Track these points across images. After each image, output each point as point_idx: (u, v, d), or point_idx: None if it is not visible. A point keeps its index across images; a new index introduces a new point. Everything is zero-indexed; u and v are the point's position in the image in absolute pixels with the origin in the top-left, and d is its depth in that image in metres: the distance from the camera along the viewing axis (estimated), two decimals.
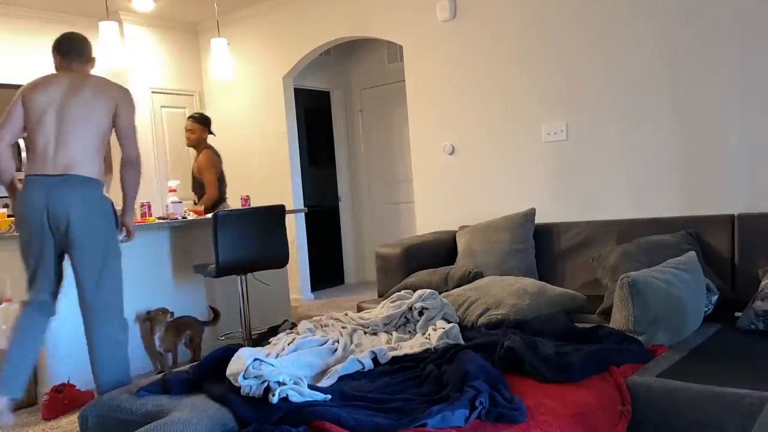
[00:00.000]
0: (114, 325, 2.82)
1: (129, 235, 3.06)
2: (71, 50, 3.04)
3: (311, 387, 2.00)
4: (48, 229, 2.81)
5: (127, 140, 2.97)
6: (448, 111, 4.57)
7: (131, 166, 2.96)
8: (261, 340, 3.61)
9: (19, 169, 5.29)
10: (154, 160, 6.13)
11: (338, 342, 2.45)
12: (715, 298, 2.80)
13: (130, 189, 2.96)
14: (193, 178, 4.95)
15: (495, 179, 4.35)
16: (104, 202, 2.85)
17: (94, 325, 2.79)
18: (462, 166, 4.52)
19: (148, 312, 3.78)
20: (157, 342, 3.79)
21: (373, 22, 5.01)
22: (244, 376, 1.95)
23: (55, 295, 2.89)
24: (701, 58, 3.48)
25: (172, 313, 3.82)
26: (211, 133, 5.07)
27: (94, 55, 3.16)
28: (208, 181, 4.96)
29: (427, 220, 4.73)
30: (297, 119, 6.05)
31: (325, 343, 2.42)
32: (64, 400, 3.25)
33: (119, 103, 2.95)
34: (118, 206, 2.98)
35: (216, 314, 4.10)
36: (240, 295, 4.06)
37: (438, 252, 3.84)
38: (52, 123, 2.87)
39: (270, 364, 2.02)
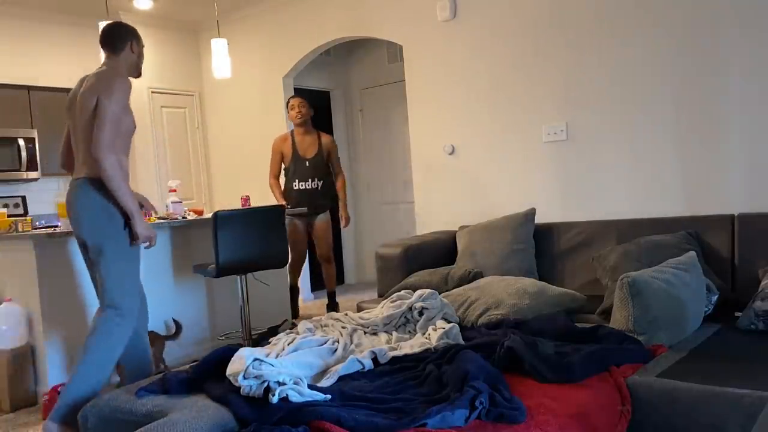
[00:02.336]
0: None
1: (137, 239, 2.87)
2: (102, 43, 2.97)
3: (311, 387, 2.01)
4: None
5: (94, 131, 2.75)
6: (448, 111, 4.57)
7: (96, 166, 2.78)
8: (261, 340, 3.61)
9: (16, 169, 5.29)
10: (154, 160, 6.13)
11: (338, 342, 2.45)
12: (715, 298, 2.80)
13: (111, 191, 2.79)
14: (306, 158, 4.84)
15: (495, 179, 4.35)
16: (91, 201, 2.81)
17: None
18: (462, 166, 4.52)
19: None
20: None
21: (373, 22, 5.01)
22: (244, 376, 1.95)
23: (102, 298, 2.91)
24: (702, 59, 3.48)
25: None
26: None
27: (127, 41, 2.96)
28: (340, 164, 4.97)
29: (427, 220, 4.73)
30: None
31: (325, 343, 2.42)
32: None
33: (99, 95, 2.76)
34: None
35: (178, 328, 3.82)
36: (240, 295, 4.05)
37: (438, 252, 3.84)
38: (74, 127, 2.91)
39: (270, 364, 2.02)
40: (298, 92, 6.25)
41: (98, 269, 2.82)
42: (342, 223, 4.91)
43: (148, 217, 3.69)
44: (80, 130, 2.84)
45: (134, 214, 2.82)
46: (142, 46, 3.04)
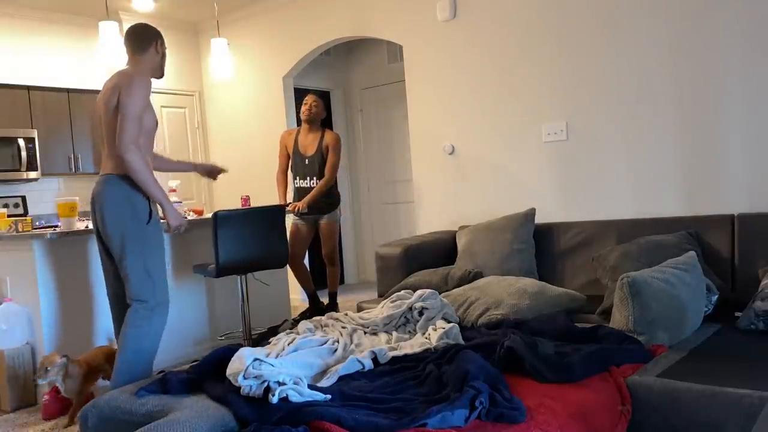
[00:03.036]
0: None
1: (170, 229, 3.04)
2: (127, 43, 3.01)
3: (311, 387, 2.00)
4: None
5: (117, 129, 2.82)
6: (448, 111, 4.57)
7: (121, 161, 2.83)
8: (261, 340, 3.61)
9: (16, 169, 5.28)
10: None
11: (338, 342, 2.45)
12: (715, 298, 2.79)
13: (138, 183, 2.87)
14: (305, 156, 4.75)
15: (495, 179, 4.34)
16: (115, 196, 2.86)
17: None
18: (462, 166, 4.52)
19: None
20: (62, 390, 3.07)
21: (373, 22, 5.01)
22: (244, 376, 1.95)
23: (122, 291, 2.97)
24: (702, 59, 3.48)
25: (65, 356, 3.06)
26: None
27: (152, 41, 3.01)
28: (332, 164, 4.73)
29: (427, 220, 4.73)
30: (297, 119, 6.05)
31: (325, 343, 2.42)
32: (64, 400, 3.24)
33: (120, 93, 2.83)
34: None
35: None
36: (240, 295, 4.05)
37: (438, 252, 3.84)
38: (101, 124, 2.95)
39: (270, 364, 2.02)
40: (298, 92, 6.24)
41: (122, 264, 2.86)
42: (290, 207, 4.71)
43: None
44: (105, 128, 2.90)
45: (164, 203, 2.91)
46: (166, 48, 3.09)
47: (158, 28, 3.14)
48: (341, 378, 2.16)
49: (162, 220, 3.04)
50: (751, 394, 1.85)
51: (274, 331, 4.33)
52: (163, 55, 3.07)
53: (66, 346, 3.58)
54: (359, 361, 2.25)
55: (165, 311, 2.95)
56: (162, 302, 2.94)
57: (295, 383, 1.94)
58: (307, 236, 4.84)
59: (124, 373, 2.79)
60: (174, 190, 4.35)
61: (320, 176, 4.74)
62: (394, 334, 2.63)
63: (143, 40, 2.99)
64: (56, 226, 4.37)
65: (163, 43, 3.06)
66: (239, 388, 1.95)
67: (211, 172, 3.60)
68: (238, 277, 4.04)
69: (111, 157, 2.88)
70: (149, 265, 2.88)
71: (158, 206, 2.97)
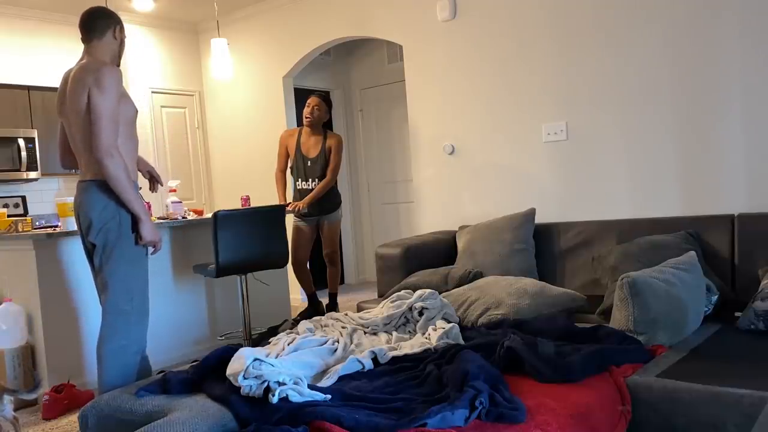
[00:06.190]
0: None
1: (142, 241, 2.75)
2: (83, 28, 2.76)
3: (311, 387, 2.01)
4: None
5: (92, 132, 2.60)
6: (448, 111, 4.57)
7: (99, 165, 2.63)
8: (261, 340, 3.61)
9: (17, 169, 5.29)
10: (154, 160, 6.13)
11: (338, 342, 2.45)
12: (715, 298, 2.79)
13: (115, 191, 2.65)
14: (308, 158, 4.73)
15: (495, 179, 4.35)
16: (97, 203, 2.69)
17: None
18: (462, 166, 4.51)
19: None
20: None
21: (373, 22, 5.01)
22: (244, 376, 1.95)
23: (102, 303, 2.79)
24: (702, 58, 3.48)
25: None
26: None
27: (110, 26, 2.75)
28: (334, 166, 4.73)
29: (427, 220, 4.73)
30: (297, 119, 6.06)
31: (325, 343, 2.42)
32: (64, 400, 3.25)
33: (90, 90, 2.60)
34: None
35: (36, 383, 2.79)
36: (240, 295, 4.05)
37: (438, 252, 3.84)
38: (70, 127, 2.75)
39: (270, 364, 2.02)
40: (298, 92, 6.25)
41: (102, 273, 2.71)
42: (290, 206, 4.71)
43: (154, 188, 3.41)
44: (77, 130, 2.70)
45: (141, 216, 2.71)
46: (125, 36, 2.86)
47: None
48: (341, 378, 2.16)
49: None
50: (751, 394, 1.85)
51: (274, 331, 4.33)
52: (122, 43, 2.81)
53: (65, 346, 3.58)
54: (359, 361, 2.25)
55: (144, 322, 2.78)
56: (140, 312, 2.76)
57: (295, 383, 1.94)
58: (310, 238, 4.83)
59: (109, 387, 2.66)
60: (174, 190, 4.35)
61: (322, 178, 4.74)
62: (394, 334, 2.64)
63: (100, 23, 2.73)
64: (56, 226, 4.37)
65: (122, 29, 2.80)
66: (239, 388, 1.95)
67: (150, 180, 3.24)
68: (238, 277, 4.04)
69: (90, 163, 2.70)
70: (130, 275, 2.72)
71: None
